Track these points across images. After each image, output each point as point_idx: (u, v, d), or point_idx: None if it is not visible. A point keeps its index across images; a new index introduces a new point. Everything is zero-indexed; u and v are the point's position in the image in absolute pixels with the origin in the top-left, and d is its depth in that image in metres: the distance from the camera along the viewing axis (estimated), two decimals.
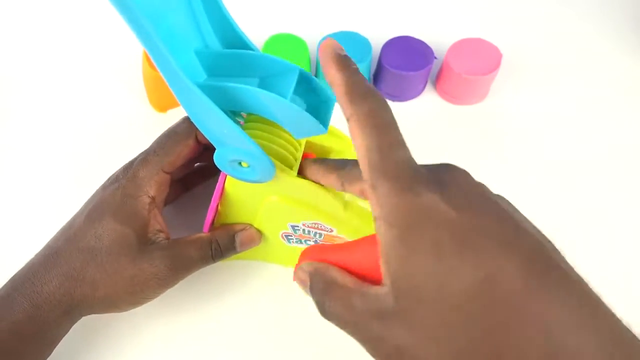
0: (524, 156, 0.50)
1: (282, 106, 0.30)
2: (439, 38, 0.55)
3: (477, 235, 0.23)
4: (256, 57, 0.31)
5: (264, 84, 0.31)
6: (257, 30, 0.54)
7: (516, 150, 0.50)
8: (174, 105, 0.52)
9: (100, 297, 0.35)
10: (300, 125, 0.31)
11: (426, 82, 0.54)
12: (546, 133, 0.51)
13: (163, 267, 0.35)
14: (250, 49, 0.32)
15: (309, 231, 0.38)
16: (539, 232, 0.25)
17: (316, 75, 0.53)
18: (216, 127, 0.31)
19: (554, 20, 0.60)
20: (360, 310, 0.24)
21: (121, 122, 0.52)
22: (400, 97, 0.54)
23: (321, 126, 0.30)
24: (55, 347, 0.36)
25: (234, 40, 0.32)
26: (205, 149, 0.40)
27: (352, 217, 0.36)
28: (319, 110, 0.31)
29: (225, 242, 0.38)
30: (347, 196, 0.36)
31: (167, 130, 0.38)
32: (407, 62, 0.51)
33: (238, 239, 0.38)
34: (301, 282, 0.29)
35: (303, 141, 0.36)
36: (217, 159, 0.32)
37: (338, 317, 0.25)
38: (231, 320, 0.42)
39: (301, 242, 0.40)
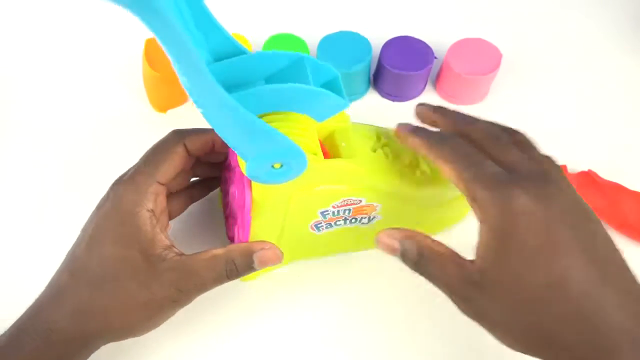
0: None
1: (313, 95, 0.30)
2: (439, 38, 0.55)
3: (559, 240, 0.28)
4: (254, 58, 0.31)
5: (275, 81, 0.31)
6: (257, 30, 0.54)
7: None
8: (174, 105, 0.52)
9: (116, 327, 0.34)
10: (326, 108, 0.32)
11: (426, 82, 0.54)
12: (546, 133, 0.51)
13: (174, 290, 0.33)
14: (244, 52, 0.31)
15: (337, 211, 0.38)
16: (612, 242, 0.30)
17: None
18: (251, 136, 0.29)
19: (554, 20, 0.60)
20: (453, 275, 0.31)
21: (121, 122, 0.52)
22: (400, 97, 0.54)
23: (344, 100, 0.32)
24: None
25: (226, 48, 0.31)
26: (201, 163, 0.40)
27: (377, 179, 0.37)
28: (331, 88, 0.32)
29: (242, 262, 0.34)
30: (371, 156, 0.37)
31: (155, 144, 0.37)
32: (407, 62, 0.51)
33: (257, 259, 0.35)
34: (387, 247, 0.33)
35: (314, 125, 0.35)
36: (250, 170, 0.31)
37: (434, 277, 0.32)
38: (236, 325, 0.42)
39: (331, 226, 0.40)
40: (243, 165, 0.32)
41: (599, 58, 0.57)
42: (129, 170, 0.36)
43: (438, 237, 0.33)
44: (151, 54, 0.49)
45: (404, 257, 0.33)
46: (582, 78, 0.56)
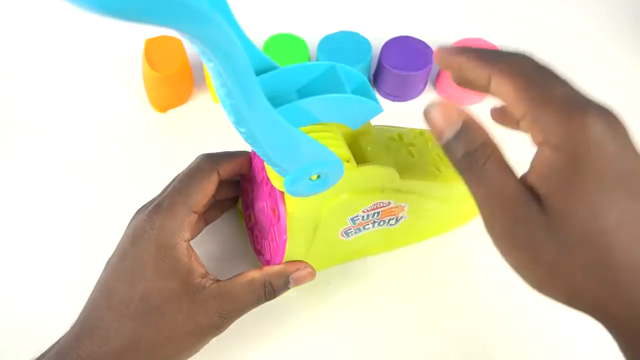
0: (524, 156, 0.50)
1: (350, 103, 0.30)
2: (439, 38, 0.55)
3: (637, 177, 0.24)
4: (286, 72, 0.30)
5: (308, 93, 0.30)
6: (257, 30, 0.54)
7: (516, 150, 0.50)
8: (174, 105, 0.52)
9: (160, 358, 0.33)
10: (361, 114, 0.32)
11: (426, 82, 0.54)
12: None
13: (216, 317, 0.34)
14: (275, 67, 0.31)
15: (367, 216, 0.38)
16: None
17: None
18: (295, 150, 0.29)
19: (554, 20, 0.60)
20: (508, 185, 0.26)
21: (121, 122, 0.52)
22: (400, 97, 0.54)
23: (378, 105, 0.31)
24: None
25: (258, 63, 0.31)
26: (222, 184, 0.39)
27: (407, 180, 0.37)
28: (362, 92, 0.32)
29: (279, 283, 0.36)
30: (397, 157, 0.37)
31: (187, 170, 0.37)
32: (407, 62, 0.51)
33: (292, 279, 0.36)
34: (439, 129, 0.27)
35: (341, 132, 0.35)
36: (290, 185, 0.31)
37: (483, 177, 0.26)
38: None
39: (360, 231, 0.40)
40: (278, 180, 0.32)
41: (598, 58, 0.57)
42: (161, 198, 0.36)
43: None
44: (151, 54, 0.49)
45: (457, 140, 0.27)
46: (582, 78, 0.55)
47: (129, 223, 0.37)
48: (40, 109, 0.52)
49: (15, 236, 0.46)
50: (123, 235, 0.37)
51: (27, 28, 0.58)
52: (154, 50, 0.49)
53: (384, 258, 0.45)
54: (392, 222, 0.41)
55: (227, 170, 0.37)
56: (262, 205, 0.38)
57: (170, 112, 0.52)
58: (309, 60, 0.51)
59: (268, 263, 0.39)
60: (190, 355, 0.35)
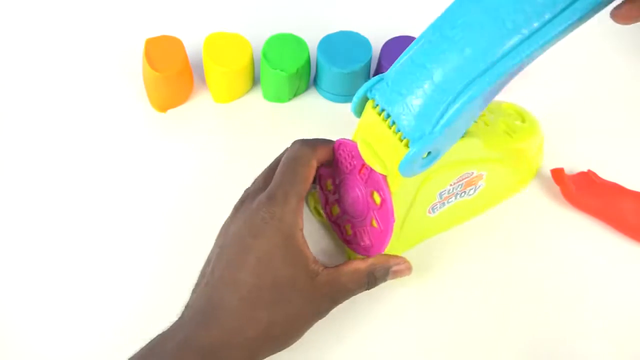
0: None
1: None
2: None
3: None
4: None
5: None
6: (257, 30, 0.54)
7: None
8: (174, 105, 0.52)
9: (280, 342, 0.36)
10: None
11: None
12: (545, 133, 0.51)
13: (329, 301, 0.36)
14: None
15: (453, 189, 0.41)
16: None
17: (316, 77, 0.53)
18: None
19: None
20: None
21: (121, 121, 0.52)
22: None
23: None
24: None
25: None
26: None
27: (489, 147, 0.40)
28: None
29: (381, 275, 0.38)
30: (475, 127, 0.39)
31: (289, 158, 0.37)
32: None
33: (391, 272, 0.39)
34: None
35: None
36: (407, 164, 0.32)
37: None
38: None
39: (444, 205, 0.42)
40: (379, 164, 0.34)
41: (598, 58, 0.57)
42: (270, 190, 0.36)
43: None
44: (151, 53, 0.49)
45: None
46: (582, 78, 0.56)
47: (236, 214, 0.38)
48: (41, 108, 0.52)
49: (15, 236, 0.46)
50: (232, 226, 0.37)
51: (27, 28, 0.58)
52: (154, 50, 0.49)
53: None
54: (471, 192, 0.43)
55: (323, 155, 0.38)
56: (356, 193, 0.39)
57: (170, 112, 0.52)
58: (309, 60, 0.51)
59: (366, 250, 0.41)
60: (298, 339, 0.37)
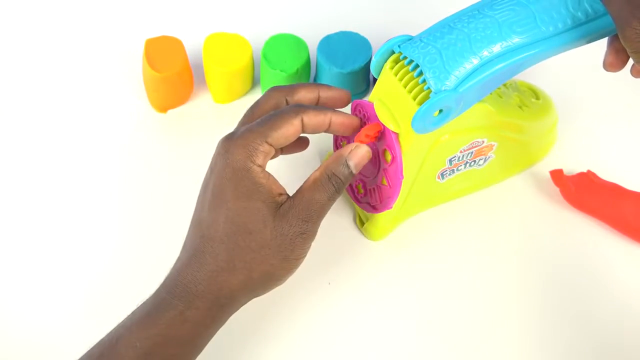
0: None
1: None
2: None
3: None
4: None
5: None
6: (257, 30, 0.54)
7: None
8: (174, 105, 0.52)
9: (257, 277, 0.35)
10: None
11: None
12: None
13: (301, 222, 0.35)
14: None
15: (462, 156, 0.43)
16: None
17: (316, 77, 0.53)
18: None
19: None
20: None
21: (121, 122, 0.52)
22: None
23: None
24: (205, 346, 0.36)
25: None
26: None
27: (502, 116, 0.42)
28: None
29: (341, 170, 0.36)
30: (489, 97, 0.41)
31: (272, 111, 0.38)
32: None
33: (351, 162, 0.37)
34: None
35: None
36: (419, 120, 0.35)
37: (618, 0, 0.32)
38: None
39: (453, 172, 0.44)
40: (392, 122, 0.37)
41: (597, 58, 0.57)
42: (239, 128, 0.37)
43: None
44: (151, 54, 0.49)
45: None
46: (581, 78, 0.56)
47: None
48: (41, 108, 0.52)
49: (15, 236, 0.46)
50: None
51: (27, 28, 0.58)
52: (154, 51, 0.49)
53: (384, 258, 0.45)
54: (481, 162, 0.45)
55: (312, 120, 0.37)
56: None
57: (170, 112, 0.52)
58: (309, 60, 0.51)
59: (375, 208, 0.42)
60: (288, 269, 0.36)
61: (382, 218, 0.44)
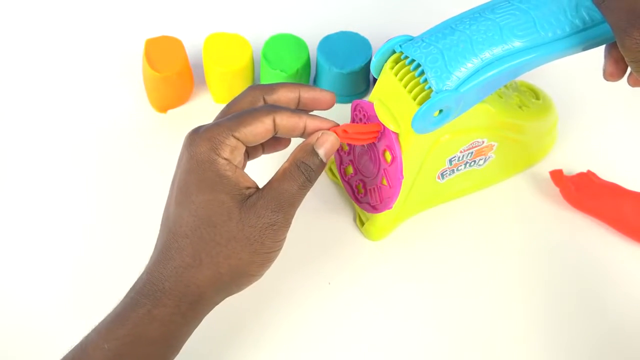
0: None
1: None
2: None
3: None
4: None
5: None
6: (257, 31, 0.54)
7: None
8: (174, 105, 0.52)
9: (225, 272, 0.34)
10: None
11: None
12: None
13: (270, 213, 0.34)
14: None
15: (462, 156, 0.43)
16: None
17: (316, 77, 0.53)
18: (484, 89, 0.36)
19: None
20: None
21: (121, 122, 0.52)
22: None
23: None
24: (181, 347, 0.35)
25: None
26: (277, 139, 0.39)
27: (502, 117, 0.42)
28: None
29: (309, 158, 0.35)
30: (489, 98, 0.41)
31: (244, 109, 0.36)
32: None
33: (320, 150, 0.35)
34: None
35: None
36: (420, 119, 0.35)
37: (618, 10, 0.33)
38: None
39: (453, 172, 0.44)
40: (392, 122, 0.37)
41: (597, 58, 0.57)
42: (207, 123, 0.36)
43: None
44: (151, 54, 0.49)
45: None
46: (580, 78, 0.56)
47: None
48: (41, 109, 0.52)
49: (15, 236, 0.46)
50: None
51: (27, 29, 0.58)
52: (154, 51, 0.49)
53: (384, 258, 0.46)
54: (481, 162, 0.45)
55: (284, 121, 0.36)
56: (369, 153, 0.41)
57: (170, 112, 0.52)
58: (309, 60, 0.51)
59: (375, 208, 0.42)
60: (260, 263, 0.35)
61: (382, 218, 0.44)
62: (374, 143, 0.40)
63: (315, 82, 0.54)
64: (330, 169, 0.48)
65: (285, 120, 0.36)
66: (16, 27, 0.58)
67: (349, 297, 0.44)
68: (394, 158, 0.38)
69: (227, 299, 0.36)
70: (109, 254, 0.45)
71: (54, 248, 0.45)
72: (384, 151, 0.39)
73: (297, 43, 0.51)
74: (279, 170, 0.35)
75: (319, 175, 0.36)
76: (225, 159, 0.34)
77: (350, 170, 0.44)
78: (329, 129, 0.36)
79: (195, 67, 0.52)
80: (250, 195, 0.35)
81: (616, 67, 0.37)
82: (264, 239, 0.34)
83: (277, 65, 0.50)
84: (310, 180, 0.35)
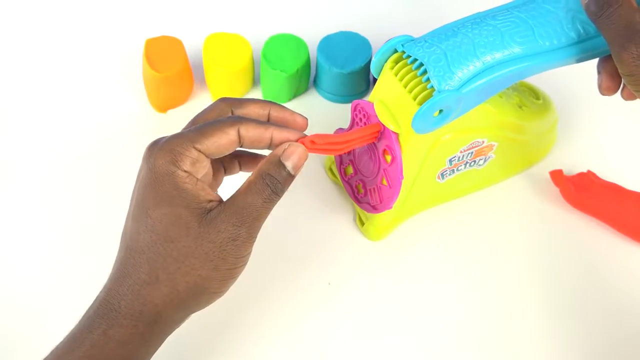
0: None
1: None
2: None
3: None
4: None
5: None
6: (257, 30, 0.54)
7: None
8: (174, 105, 0.52)
9: (183, 289, 0.32)
10: None
11: None
12: None
13: (231, 227, 0.32)
14: None
15: (462, 156, 0.43)
16: None
17: (316, 77, 0.53)
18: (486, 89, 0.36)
19: None
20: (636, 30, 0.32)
21: (121, 122, 0.52)
22: None
23: None
24: None
25: None
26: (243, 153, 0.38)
27: (502, 116, 0.43)
28: None
29: (276, 170, 0.33)
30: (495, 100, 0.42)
31: (208, 120, 0.35)
32: None
33: (288, 162, 0.34)
34: None
35: None
36: (420, 119, 0.35)
37: (614, 25, 0.33)
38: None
39: (453, 172, 0.44)
40: (392, 122, 0.37)
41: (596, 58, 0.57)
42: (168, 135, 0.35)
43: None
44: (151, 54, 0.49)
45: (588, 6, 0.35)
46: (580, 78, 0.56)
47: None
48: (41, 109, 0.52)
49: (15, 236, 0.46)
50: None
51: (27, 29, 0.58)
52: (154, 51, 0.49)
53: (384, 258, 0.46)
54: (481, 162, 0.45)
55: (249, 133, 0.34)
56: (369, 153, 0.41)
57: (170, 112, 0.52)
58: (309, 60, 0.51)
59: (375, 208, 0.42)
60: (222, 279, 0.33)
61: (382, 218, 0.44)
62: (374, 143, 0.40)
63: (315, 82, 0.54)
64: (330, 169, 0.48)
65: (250, 132, 0.34)
66: (17, 27, 0.58)
67: (349, 297, 0.44)
68: (394, 158, 0.39)
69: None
70: (108, 254, 0.45)
71: (54, 248, 0.45)
72: (384, 151, 0.39)
73: (297, 43, 0.51)
74: (244, 182, 0.34)
75: (286, 187, 0.34)
76: (186, 171, 0.33)
77: (350, 170, 0.45)
78: (296, 140, 0.35)
79: (195, 67, 0.52)
80: (212, 209, 0.33)
81: (612, 81, 0.37)
82: (225, 254, 0.33)
83: (277, 65, 0.50)
84: (276, 193, 0.34)
